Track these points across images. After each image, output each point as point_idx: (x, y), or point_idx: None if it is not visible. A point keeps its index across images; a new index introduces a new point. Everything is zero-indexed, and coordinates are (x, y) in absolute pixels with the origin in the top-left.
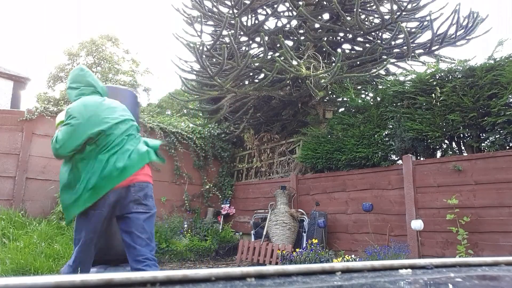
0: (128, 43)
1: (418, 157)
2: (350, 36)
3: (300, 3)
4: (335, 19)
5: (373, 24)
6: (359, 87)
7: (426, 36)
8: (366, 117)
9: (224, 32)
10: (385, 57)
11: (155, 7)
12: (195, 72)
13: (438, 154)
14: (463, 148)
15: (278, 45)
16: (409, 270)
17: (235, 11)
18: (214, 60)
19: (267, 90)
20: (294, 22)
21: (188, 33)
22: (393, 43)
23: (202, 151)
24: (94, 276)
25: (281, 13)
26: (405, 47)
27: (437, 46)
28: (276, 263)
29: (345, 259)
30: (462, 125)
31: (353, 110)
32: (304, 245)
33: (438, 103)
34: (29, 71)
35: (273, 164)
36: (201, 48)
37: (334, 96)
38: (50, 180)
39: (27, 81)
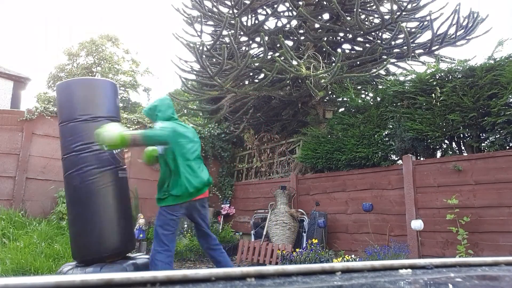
0: (128, 43)
1: (418, 157)
2: (350, 36)
3: (300, 3)
4: (335, 19)
5: (373, 24)
6: (359, 87)
7: (426, 36)
8: (366, 117)
9: (224, 32)
10: (385, 57)
11: (155, 7)
12: (195, 72)
13: (438, 154)
14: (463, 148)
15: (278, 45)
16: (409, 270)
17: (235, 11)
18: (214, 60)
19: (267, 90)
20: (294, 22)
21: (188, 33)
22: (393, 43)
23: (202, 151)
24: (94, 276)
25: (281, 13)
26: (405, 47)
27: (437, 46)
28: (276, 263)
29: (345, 259)
30: (462, 125)
31: (353, 110)
32: (304, 245)
33: (438, 103)
34: (29, 71)
35: (273, 164)
36: (201, 48)
37: (334, 96)
38: (50, 180)
39: (27, 81)
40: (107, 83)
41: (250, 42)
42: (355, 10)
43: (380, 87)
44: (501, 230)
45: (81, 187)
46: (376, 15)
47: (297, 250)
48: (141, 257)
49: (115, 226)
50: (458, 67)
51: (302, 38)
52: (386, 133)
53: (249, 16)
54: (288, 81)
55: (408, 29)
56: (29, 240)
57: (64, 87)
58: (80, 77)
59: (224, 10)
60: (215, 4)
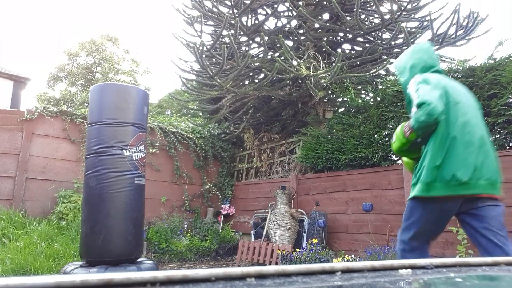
0: (128, 43)
1: None
2: (350, 36)
3: (300, 3)
4: (335, 19)
5: (373, 24)
6: (359, 87)
7: (426, 36)
8: (366, 117)
9: (224, 32)
10: (385, 57)
11: (155, 7)
12: (195, 72)
13: None
14: None
15: (278, 45)
16: (409, 270)
17: (235, 11)
18: (214, 60)
19: (267, 90)
20: (294, 22)
21: (188, 33)
22: (393, 43)
23: (202, 151)
24: (94, 276)
25: (281, 13)
26: (405, 47)
27: (437, 46)
28: (276, 263)
29: (345, 259)
30: None
31: (353, 110)
32: (304, 245)
33: None
34: (29, 71)
35: (273, 164)
36: (201, 48)
37: (334, 96)
38: (50, 180)
39: (27, 81)
40: (139, 91)
41: (250, 42)
42: (355, 10)
43: (380, 87)
44: None
45: (95, 188)
46: (376, 15)
47: (297, 250)
48: (147, 262)
49: (123, 231)
50: (458, 67)
51: (302, 38)
52: (386, 133)
53: (249, 16)
54: (288, 81)
55: (408, 29)
56: (29, 240)
57: (96, 90)
58: (114, 82)
59: (224, 10)
60: (215, 4)
